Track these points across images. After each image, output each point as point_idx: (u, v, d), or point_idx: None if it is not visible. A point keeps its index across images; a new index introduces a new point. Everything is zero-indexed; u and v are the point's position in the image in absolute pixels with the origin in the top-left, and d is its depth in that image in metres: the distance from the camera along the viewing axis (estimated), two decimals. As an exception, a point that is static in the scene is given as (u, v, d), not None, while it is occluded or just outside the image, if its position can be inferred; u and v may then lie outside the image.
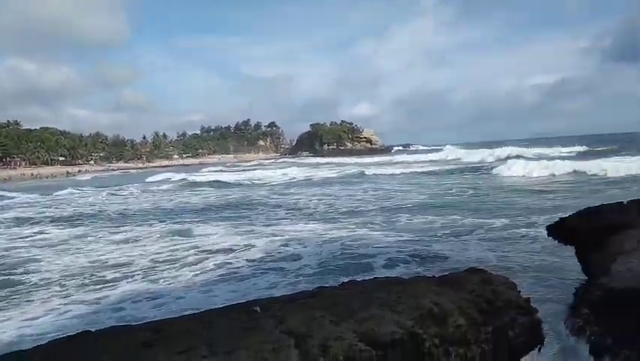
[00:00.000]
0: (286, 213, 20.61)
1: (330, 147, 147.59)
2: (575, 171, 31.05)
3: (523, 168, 34.41)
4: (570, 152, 56.75)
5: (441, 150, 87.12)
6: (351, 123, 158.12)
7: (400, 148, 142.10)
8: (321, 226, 16.17)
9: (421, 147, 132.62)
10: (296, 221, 18.07)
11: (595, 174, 28.66)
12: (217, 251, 12.94)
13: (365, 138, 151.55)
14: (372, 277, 4.06)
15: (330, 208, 21.51)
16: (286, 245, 13.18)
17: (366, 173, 45.00)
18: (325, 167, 63.03)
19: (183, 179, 49.40)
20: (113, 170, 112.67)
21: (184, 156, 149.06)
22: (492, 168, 37.82)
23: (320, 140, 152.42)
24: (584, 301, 6.69)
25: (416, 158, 72.92)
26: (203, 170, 70.73)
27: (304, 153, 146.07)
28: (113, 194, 36.35)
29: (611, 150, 54.23)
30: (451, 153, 74.70)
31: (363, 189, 30.37)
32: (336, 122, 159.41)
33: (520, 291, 3.61)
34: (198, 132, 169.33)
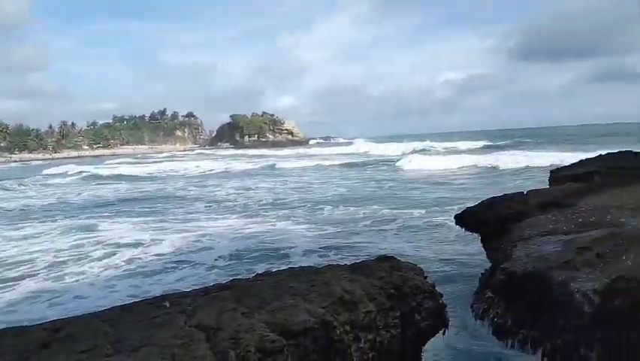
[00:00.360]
0: (205, 208, 20.04)
1: (252, 139, 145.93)
2: (474, 165, 33.11)
3: (425, 161, 36.52)
4: (475, 146, 60.69)
5: (351, 143, 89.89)
6: (273, 115, 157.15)
7: (321, 140, 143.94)
8: (241, 220, 15.95)
9: (342, 140, 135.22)
10: (214, 215, 17.68)
11: (494, 167, 30.95)
12: (125, 246, 12.43)
13: (287, 129, 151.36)
14: (287, 268, 4.04)
15: (250, 201, 21.28)
16: (201, 240, 12.86)
17: (285, 166, 44.87)
18: (243, 159, 62.10)
19: (84, 171, 46.33)
20: (14, 161, 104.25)
21: (94, 146, 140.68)
22: (397, 161, 39.23)
23: (241, 131, 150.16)
24: (488, 285, 7.15)
25: (330, 151, 74.01)
26: (108, 162, 66.60)
27: (224, 145, 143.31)
28: (6, 189, 33.53)
29: (509, 145, 58.51)
30: (361, 146, 76.74)
31: (282, 181, 30.39)
32: (257, 114, 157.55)
33: (426, 277, 3.76)
34: (110, 122, 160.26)
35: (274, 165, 45.94)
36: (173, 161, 62.85)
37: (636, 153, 11.57)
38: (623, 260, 5.22)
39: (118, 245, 12.54)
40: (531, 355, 5.70)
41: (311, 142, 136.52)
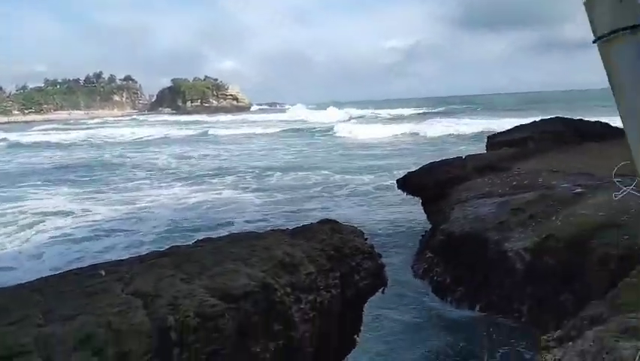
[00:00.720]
0: (146, 175, 19.15)
1: (194, 104, 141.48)
2: (409, 132, 32.94)
3: (357, 129, 36.02)
4: (415, 112, 61.91)
5: (286, 109, 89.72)
6: (216, 79, 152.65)
7: (266, 107, 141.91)
8: (186, 189, 15.51)
9: (288, 106, 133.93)
10: (156, 183, 17.06)
11: (431, 135, 30.75)
12: (55, 215, 11.89)
13: (231, 95, 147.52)
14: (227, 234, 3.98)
15: (194, 168, 20.71)
16: (140, 209, 12.42)
17: (222, 133, 42.93)
18: (181, 125, 59.10)
19: (6, 139, 41.95)
20: None
21: (26, 111, 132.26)
22: (331, 130, 38.26)
23: (183, 96, 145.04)
24: (428, 246, 7.42)
25: (269, 117, 72.10)
26: (37, 128, 61.01)
27: (165, 110, 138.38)
28: None
29: (450, 111, 59.98)
30: (298, 112, 76.02)
31: (224, 148, 29.65)
32: (199, 78, 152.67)
33: (367, 239, 3.82)
34: (42, 85, 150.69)
35: (211, 132, 44.09)
36: (105, 127, 59.35)
37: (567, 119, 12.20)
38: (554, 220, 5.54)
39: (47, 214, 11.96)
40: (468, 310, 6.02)
41: (252, 108, 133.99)
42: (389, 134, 32.72)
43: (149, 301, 2.84)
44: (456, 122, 36.38)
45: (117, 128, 54.69)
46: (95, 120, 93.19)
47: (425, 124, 36.47)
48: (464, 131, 30.56)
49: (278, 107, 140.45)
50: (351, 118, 55.22)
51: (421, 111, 64.44)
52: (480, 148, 13.08)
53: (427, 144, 26.76)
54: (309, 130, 41.55)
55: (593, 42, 1.09)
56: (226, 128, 48.54)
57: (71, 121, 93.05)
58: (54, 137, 43.93)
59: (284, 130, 42.85)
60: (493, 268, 5.64)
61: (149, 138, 41.07)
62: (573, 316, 3.36)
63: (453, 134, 30.25)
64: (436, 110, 64.89)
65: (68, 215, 11.91)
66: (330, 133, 36.98)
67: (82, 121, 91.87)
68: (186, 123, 63.18)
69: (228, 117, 79.06)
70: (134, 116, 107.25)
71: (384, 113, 63.29)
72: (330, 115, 60.11)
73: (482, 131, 24.63)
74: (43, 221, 11.27)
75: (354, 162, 20.49)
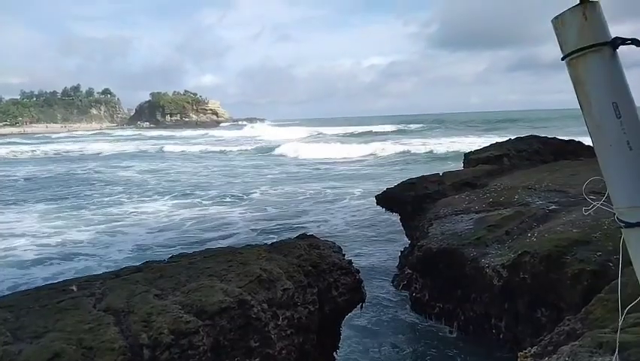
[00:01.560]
0: (121, 192, 18.59)
1: (174, 119, 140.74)
2: (379, 149, 32.49)
3: (304, 149, 34.92)
4: (389, 129, 62.48)
5: (243, 126, 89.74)
6: (196, 94, 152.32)
7: (246, 122, 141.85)
8: (167, 204, 15.17)
9: (268, 122, 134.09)
10: (136, 198, 16.69)
11: (412, 151, 31.08)
12: (11, 237, 11.24)
13: (211, 109, 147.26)
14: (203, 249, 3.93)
15: (171, 184, 20.33)
16: (111, 228, 11.96)
17: (173, 150, 42.42)
18: (154, 140, 57.80)
19: None
20: None
21: (0, 124, 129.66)
22: (275, 148, 37.31)
23: (162, 110, 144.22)
24: (407, 262, 7.44)
25: (225, 134, 70.86)
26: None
27: (145, 124, 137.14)
28: None
29: (416, 130, 60.52)
30: (255, 130, 75.83)
31: (205, 166, 29.32)
32: (179, 92, 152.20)
33: (344, 254, 3.81)
34: (18, 97, 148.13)
35: (162, 148, 43.72)
36: (76, 142, 56.99)
37: (541, 137, 12.46)
38: (529, 236, 5.60)
39: (4, 235, 11.31)
40: (447, 327, 6.03)
41: (223, 124, 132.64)
42: (345, 154, 31.76)
43: (122, 318, 2.78)
44: (430, 141, 36.68)
45: (89, 143, 53.52)
46: (64, 134, 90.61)
47: (391, 143, 36.56)
48: (439, 150, 30.58)
49: (258, 122, 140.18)
50: (310, 136, 55.23)
51: (394, 128, 64.68)
52: (455, 166, 13.19)
53: (405, 161, 26.66)
54: (253, 149, 40.60)
55: (562, 59, 1.12)
56: (178, 145, 47.40)
57: (38, 135, 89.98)
58: (20, 149, 42.61)
59: (227, 148, 41.85)
60: (470, 285, 5.67)
61: (122, 153, 40.31)
62: (549, 331, 3.39)
63: (433, 151, 30.41)
64: (411, 128, 65.35)
65: (26, 235, 11.25)
66: (268, 153, 36.26)
67: (47, 135, 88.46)
68: (159, 138, 62.05)
69: (188, 133, 78.24)
70: (106, 131, 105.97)
71: (362, 129, 63.14)
72: (291, 133, 59.73)
73: (457, 150, 24.78)
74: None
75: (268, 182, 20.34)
